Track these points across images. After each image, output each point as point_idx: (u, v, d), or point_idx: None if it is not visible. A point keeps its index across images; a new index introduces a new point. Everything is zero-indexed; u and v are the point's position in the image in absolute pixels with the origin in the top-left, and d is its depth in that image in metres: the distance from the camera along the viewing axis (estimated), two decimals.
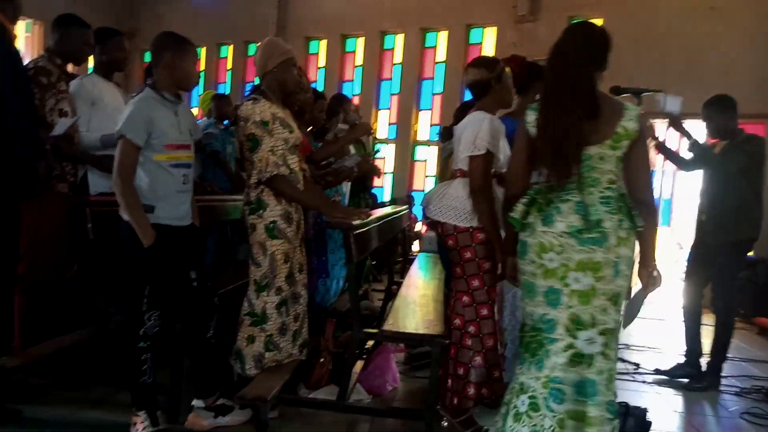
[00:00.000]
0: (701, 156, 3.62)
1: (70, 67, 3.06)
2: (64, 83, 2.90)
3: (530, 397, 1.97)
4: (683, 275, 3.84)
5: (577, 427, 1.94)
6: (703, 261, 3.70)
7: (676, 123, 3.60)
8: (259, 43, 2.68)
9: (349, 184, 4.14)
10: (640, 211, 1.97)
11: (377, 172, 4.98)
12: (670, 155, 3.87)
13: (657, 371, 3.85)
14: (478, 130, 2.54)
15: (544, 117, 2.00)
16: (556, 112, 1.95)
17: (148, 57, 10.06)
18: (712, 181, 3.66)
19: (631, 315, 2.08)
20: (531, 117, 2.05)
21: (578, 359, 1.95)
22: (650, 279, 2.08)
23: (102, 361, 2.82)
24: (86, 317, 3.03)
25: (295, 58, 2.70)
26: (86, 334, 2.91)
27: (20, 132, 2.31)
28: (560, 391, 1.94)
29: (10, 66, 2.37)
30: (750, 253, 6.32)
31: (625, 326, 2.05)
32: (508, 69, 2.73)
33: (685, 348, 3.81)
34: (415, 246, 7.52)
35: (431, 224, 2.82)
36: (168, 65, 2.37)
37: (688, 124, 3.72)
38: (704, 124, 3.68)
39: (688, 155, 3.80)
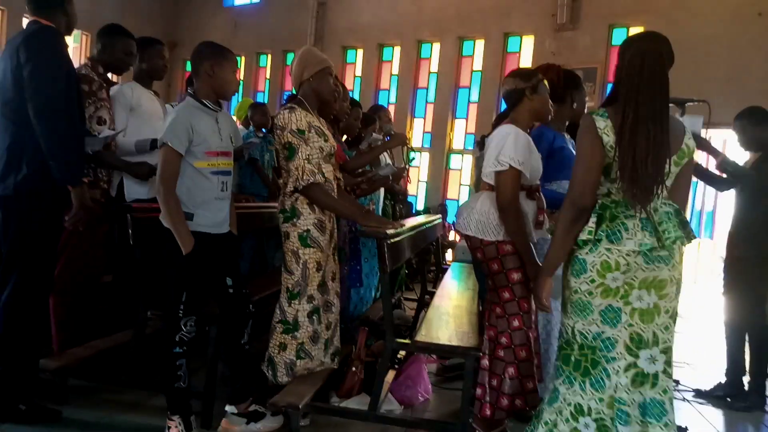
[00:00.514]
0: (733, 172, 3.50)
1: (114, 77, 3.14)
2: (105, 92, 2.97)
3: (597, 420, 1.92)
4: (722, 289, 3.71)
5: None
6: (737, 275, 3.58)
7: (700, 143, 3.50)
8: (298, 53, 2.71)
9: (382, 193, 4.16)
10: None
11: (405, 194, 4.98)
12: (705, 177, 3.79)
13: (698, 392, 3.72)
14: (503, 146, 2.51)
15: (635, 133, 1.85)
16: (655, 131, 1.84)
17: (189, 67, 10.29)
18: (743, 194, 3.55)
19: None
20: (603, 123, 1.92)
21: (641, 379, 1.90)
22: None
23: (139, 364, 2.87)
24: (125, 321, 3.10)
25: (332, 67, 2.71)
26: (124, 338, 2.98)
27: (52, 157, 2.36)
28: (625, 413, 1.89)
29: (64, 82, 2.41)
30: None
31: None
32: (545, 80, 2.69)
33: (726, 366, 3.68)
34: (449, 255, 7.48)
35: (462, 235, 2.80)
36: (207, 74, 2.41)
37: (733, 135, 3.61)
38: (736, 135, 3.58)
39: (719, 174, 3.69)
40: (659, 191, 1.87)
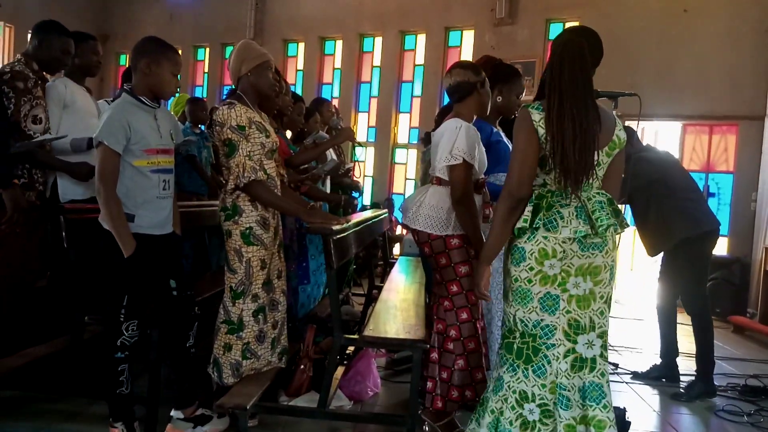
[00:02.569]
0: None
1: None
2: (40, 89, 2.84)
3: (540, 405, 1.97)
4: (658, 276, 3.89)
5: None
6: (668, 263, 3.75)
7: None
8: (236, 47, 2.65)
9: (329, 187, 4.13)
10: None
11: (357, 187, 4.98)
12: None
13: (635, 374, 3.88)
14: (455, 139, 2.53)
15: (561, 121, 1.90)
16: (579, 118, 1.90)
17: (123, 60, 9.92)
18: (634, 198, 3.68)
19: None
20: (538, 116, 1.97)
21: (580, 363, 1.97)
22: None
23: (76, 372, 2.76)
24: (60, 327, 2.97)
25: (271, 61, 2.66)
26: (60, 345, 2.85)
27: None
28: (566, 397, 1.95)
29: None
30: (724, 252, 6.47)
31: None
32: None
33: (660, 348, 3.85)
34: (396, 249, 7.52)
35: (409, 229, 2.81)
36: (143, 71, 2.33)
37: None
38: None
39: None
40: (590, 179, 1.94)
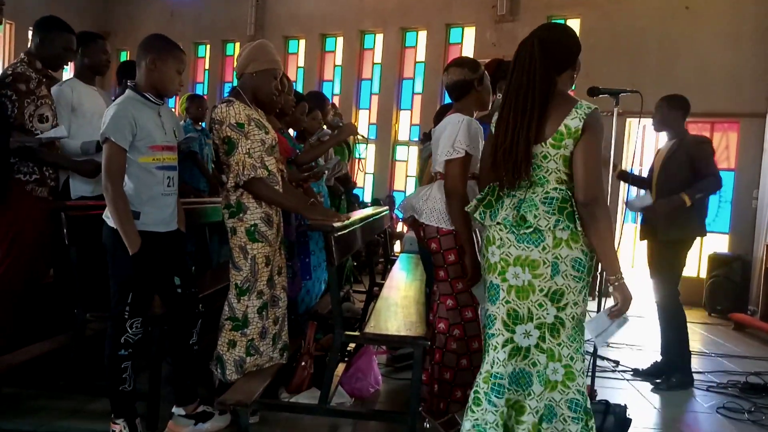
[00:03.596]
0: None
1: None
2: (45, 88, 2.84)
3: (474, 391, 2.00)
4: (649, 272, 3.88)
5: (511, 417, 1.98)
6: (658, 257, 3.74)
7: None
8: (251, 43, 2.64)
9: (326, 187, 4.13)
10: (580, 213, 1.90)
11: (351, 185, 5.01)
12: (631, 180, 4.05)
13: (635, 371, 3.88)
14: (457, 133, 2.52)
15: (499, 117, 2.02)
16: (510, 113, 1.96)
17: (124, 57, 9.91)
18: (664, 183, 3.69)
19: (595, 331, 1.97)
20: (495, 117, 2.07)
21: (516, 352, 1.99)
22: (612, 293, 1.95)
23: (78, 369, 2.76)
24: (61, 324, 2.97)
25: (280, 70, 2.64)
26: (61, 342, 2.85)
27: None
28: (500, 385, 1.97)
29: None
30: (725, 250, 6.47)
31: (598, 345, 2.05)
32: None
33: (661, 345, 3.85)
34: (397, 246, 7.52)
35: (412, 225, 2.80)
36: (148, 68, 2.34)
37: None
38: (652, 117, 3.78)
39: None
40: (523, 175, 1.93)
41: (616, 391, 3.52)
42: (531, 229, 1.92)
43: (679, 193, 3.50)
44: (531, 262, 1.93)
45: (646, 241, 3.84)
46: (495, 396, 1.96)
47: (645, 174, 4.08)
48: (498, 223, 1.98)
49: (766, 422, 3.16)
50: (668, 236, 3.60)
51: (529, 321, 1.96)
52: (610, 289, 1.95)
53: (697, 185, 3.53)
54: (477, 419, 1.97)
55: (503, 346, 1.98)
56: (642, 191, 3.90)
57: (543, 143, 1.93)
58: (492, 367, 1.98)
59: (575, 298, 1.94)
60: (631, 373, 3.89)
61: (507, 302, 1.97)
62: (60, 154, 2.89)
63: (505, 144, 1.95)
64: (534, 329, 1.97)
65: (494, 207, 2.02)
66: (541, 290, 1.94)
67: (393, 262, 4.87)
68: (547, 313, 1.95)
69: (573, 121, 1.91)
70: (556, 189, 1.95)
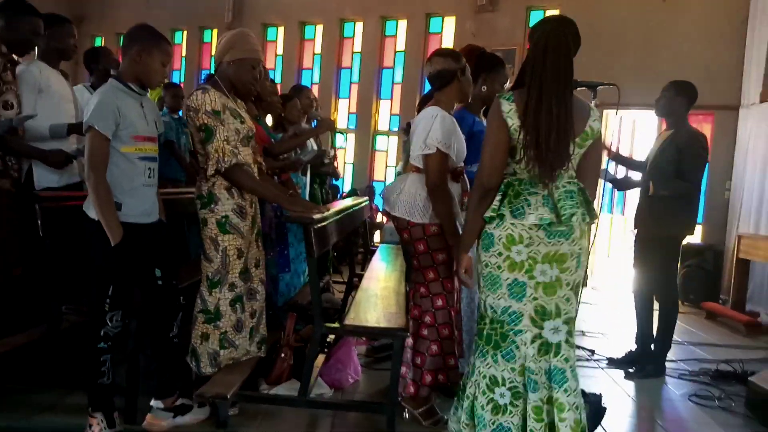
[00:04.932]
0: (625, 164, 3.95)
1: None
2: (10, 73, 2.76)
3: (511, 389, 2.00)
4: (632, 263, 3.94)
5: (550, 412, 1.99)
6: (646, 252, 3.78)
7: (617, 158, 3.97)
8: (231, 31, 2.61)
9: (309, 175, 4.11)
10: (588, 207, 2.04)
11: (337, 175, 5.00)
12: (623, 162, 4.06)
13: (610, 360, 3.95)
14: (429, 128, 2.53)
15: (538, 112, 1.92)
16: (557, 109, 1.92)
17: (98, 43, 9.68)
18: (651, 177, 3.72)
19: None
20: (508, 107, 1.99)
21: (546, 348, 2.00)
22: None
23: (53, 362, 2.73)
24: (36, 317, 2.92)
25: (259, 60, 2.59)
26: (36, 335, 2.80)
27: None
28: (534, 381, 1.99)
29: None
30: (697, 240, 6.60)
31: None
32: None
33: (636, 334, 3.91)
34: (377, 236, 7.53)
35: (389, 216, 2.82)
36: (134, 59, 2.31)
37: (642, 116, 3.85)
38: (656, 100, 3.80)
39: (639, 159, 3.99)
40: (563, 170, 1.97)
41: (591, 379, 3.58)
42: (567, 226, 1.96)
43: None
44: (560, 256, 1.97)
45: (636, 231, 3.87)
46: (530, 390, 1.98)
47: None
48: (530, 222, 1.95)
49: (735, 408, 3.25)
50: (661, 232, 3.63)
51: (557, 317, 1.99)
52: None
53: (670, 184, 3.58)
54: (522, 411, 1.99)
55: (532, 341, 2.00)
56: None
57: (572, 141, 1.98)
58: (525, 362, 2.00)
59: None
60: (606, 362, 3.96)
61: (534, 299, 1.99)
62: (26, 143, 2.79)
63: (546, 136, 1.92)
64: (562, 324, 2.01)
65: (515, 204, 1.98)
66: (568, 284, 1.99)
67: (373, 253, 4.88)
68: (572, 307, 2.01)
69: (595, 123, 2.04)
70: (570, 182, 2.01)
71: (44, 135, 2.85)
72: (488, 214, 2.02)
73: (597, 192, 2.09)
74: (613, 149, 4.08)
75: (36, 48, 2.96)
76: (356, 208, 4.07)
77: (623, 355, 3.95)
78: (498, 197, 2.01)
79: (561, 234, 1.97)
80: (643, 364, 3.74)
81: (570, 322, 2.03)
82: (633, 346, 3.94)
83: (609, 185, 3.85)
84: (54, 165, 2.79)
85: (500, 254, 2.00)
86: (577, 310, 2.08)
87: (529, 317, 2.00)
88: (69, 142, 2.94)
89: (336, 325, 2.72)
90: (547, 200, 1.97)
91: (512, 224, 1.98)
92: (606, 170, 4.33)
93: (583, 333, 4.59)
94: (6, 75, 2.73)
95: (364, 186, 8.32)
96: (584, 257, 2.02)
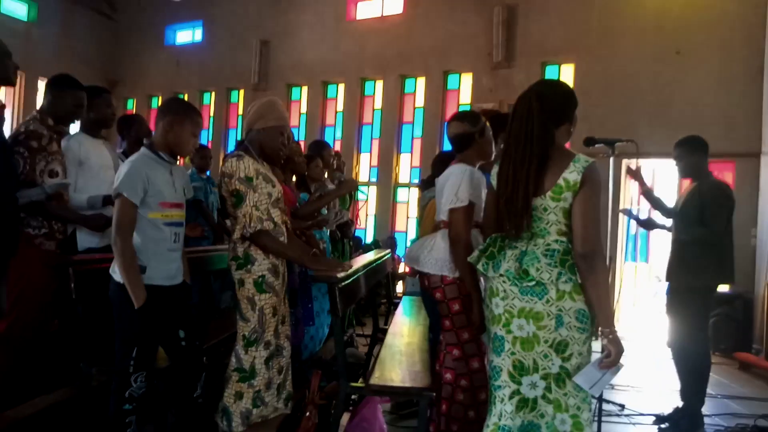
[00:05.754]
0: (654, 204, 3.90)
1: None
2: (56, 144, 2.93)
3: None
4: (665, 310, 3.82)
5: None
6: (679, 305, 3.68)
7: (631, 172, 3.94)
8: (260, 99, 2.74)
9: (329, 232, 4.19)
10: (577, 264, 1.94)
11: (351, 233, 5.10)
12: (654, 202, 4.01)
13: (658, 418, 3.75)
14: (461, 182, 2.59)
15: (499, 169, 2.07)
16: (510, 166, 2.01)
17: (130, 105, 10.09)
18: (678, 223, 3.71)
19: (589, 383, 1.96)
20: (495, 170, 2.12)
21: (523, 404, 1.99)
22: (606, 346, 1.98)
23: (83, 422, 2.76)
24: (66, 377, 2.98)
25: (287, 128, 2.74)
26: (66, 395, 2.86)
27: None
28: None
29: None
30: (726, 288, 6.47)
31: (594, 394, 2.04)
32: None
33: (680, 389, 3.71)
34: (399, 287, 7.53)
35: (417, 274, 2.84)
36: (165, 129, 2.44)
37: (661, 165, 3.87)
38: (675, 163, 3.79)
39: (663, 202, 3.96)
40: (524, 226, 1.98)
41: None
42: (534, 282, 1.94)
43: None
44: (535, 314, 1.95)
45: (668, 283, 3.77)
46: None
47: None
48: (501, 275, 2.00)
49: None
50: (691, 283, 3.57)
51: (534, 372, 1.97)
52: (604, 341, 1.97)
53: (691, 230, 3.57)
54: None
55: (510, 398, 1.99)
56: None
57: (543, 196, 1.98)
58: (500, 420, 1.99)
59: (580, 349, 1.96)
60: (654, 420, 3.76)
61: (512, 353, 1.99)
62: (69, 208, 2.95)
63: (506, 195, 2.00)
64: (540, 380, 1.97)
65: (497, 258, 2.04)
66: (546, 341, 1.96)
67: (396, 305, 4.89)
68: (552, 364, 1.96)
69: (572, 175, 1.95)
70: (557, 241, 1.98)
71: (83, 206, 3.00)
72: (470, 259, 2.14)
73: (592, 241, 1.93)
74: (647, 184, 4.01)
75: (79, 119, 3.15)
76: (379, 262, 4.11)
77: (671, 412, 3.74)
78: (479, 251, 2.11)
79: (533, 292, 1.95)
80: (677, 419, 3.61)
81: (549, 377, 1.97)
82: (679, 402, 3.72)
83: (633, 225, 3.84)
84: (94, 228, 2.93)
85: (487, 307, 2.09)
86: (566, 369, 1.97)
87: (507, 372, 2.00)
88: (108, 210, 3.07)
89: (361, 384, 2.72)
90: (521, 255, 1.99)
91: (492, 277, 2.04)
92: (629, 209, 4.33)
93: (612, 386, 4.47)
94: (52, 146, 2.89)
95: (386, 237, 8.39)
96: (572, 318, 1.94)
